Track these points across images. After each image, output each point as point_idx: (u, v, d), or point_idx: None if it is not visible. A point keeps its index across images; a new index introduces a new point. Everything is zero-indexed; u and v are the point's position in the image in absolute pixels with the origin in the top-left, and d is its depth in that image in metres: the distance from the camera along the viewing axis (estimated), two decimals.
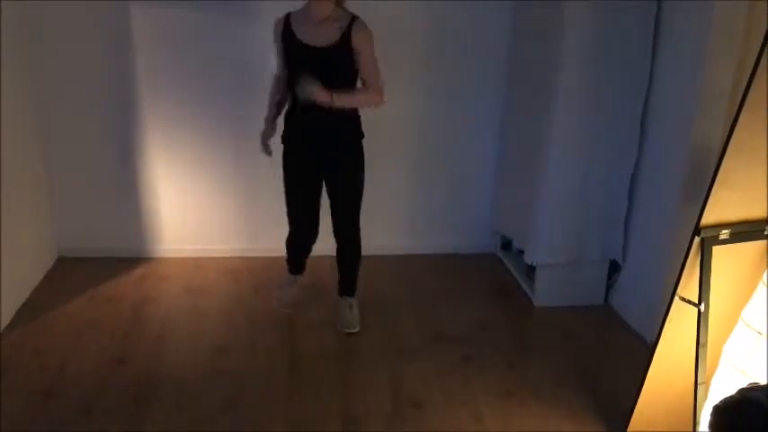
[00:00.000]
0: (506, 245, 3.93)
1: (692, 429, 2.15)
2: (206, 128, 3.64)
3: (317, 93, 2.67)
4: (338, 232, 3.08)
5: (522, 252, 3.54)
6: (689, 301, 2.10)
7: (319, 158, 2.93)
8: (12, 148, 3.19)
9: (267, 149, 2.99)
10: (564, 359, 3.01)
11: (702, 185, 2.69)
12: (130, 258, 3.75)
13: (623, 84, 3.07)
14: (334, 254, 3.16)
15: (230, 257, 3.83)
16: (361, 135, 2.94)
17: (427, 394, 2.73)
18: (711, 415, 1.50)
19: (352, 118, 2.90)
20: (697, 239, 2.07)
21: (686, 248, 2.12)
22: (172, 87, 3.53)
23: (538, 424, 2.58)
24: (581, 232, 3.30)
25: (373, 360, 2.95)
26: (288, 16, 2.81)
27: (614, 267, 3.43)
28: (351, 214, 3.03)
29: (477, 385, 2.80)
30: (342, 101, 2.74)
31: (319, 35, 2.73)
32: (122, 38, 3.41)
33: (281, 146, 2.97)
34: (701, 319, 2.08)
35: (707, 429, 1.52)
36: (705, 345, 2.08)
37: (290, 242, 3.21)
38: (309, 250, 3.24)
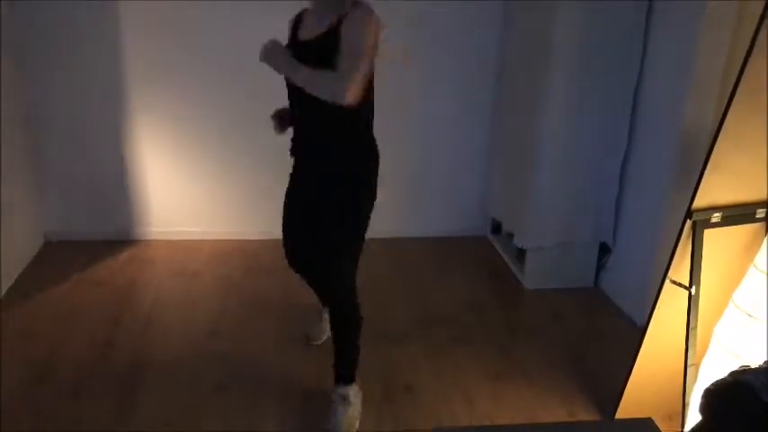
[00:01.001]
0: (497, 228, 3.93)
1: (681, 411, 2.17)
2: (195, 110, 3.60)
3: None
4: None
5: (512, 235, 3.54)
6: (680, 285, 2.11)
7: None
8: None
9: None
10: (554, 341, 3.02)
11: (694, 168, 2.69)
12: (118, 241, 3.72)
13: (615, 67, 3.06)
14: None
15: (221, 240, 3.81)
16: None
17: (418, 377, 2.73)
18: (702, 398, 1.50)
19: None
20: (689, 223, 2.07)
21: (677, 232, 2.13)
22: (161, 71, 3.49)
23: (528, 405, 2.59)
24: (571, 215, 3.31)
25: (363, 342, 2.93)
26: (301, 12, 2.33)
27: (604, 250, 3.44)
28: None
29: (468, 368, 2.81)
30: (288, 70, 2.13)
31: (309, 28, 2.21)
32: (111, 23, 3.36)
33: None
34: (692, 302, 2.09)
35: (698, 412, 1.53)
36: (695, 327, 2.10)
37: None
38: None
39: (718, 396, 1.45)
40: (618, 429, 1.28)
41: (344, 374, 2.44)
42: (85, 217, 3.71)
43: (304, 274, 2.68)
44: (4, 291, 3.16)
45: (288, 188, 2.51)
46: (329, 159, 2.30)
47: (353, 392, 2.43)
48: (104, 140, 3.58)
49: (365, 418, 2.48)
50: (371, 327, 3.07)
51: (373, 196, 2.42)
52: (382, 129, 3.77)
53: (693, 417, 2.09)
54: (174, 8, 3.36)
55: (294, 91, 2.21)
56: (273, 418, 2.47)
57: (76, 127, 3.54)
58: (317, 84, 2.07)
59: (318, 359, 2.83)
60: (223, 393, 2.58)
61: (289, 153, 2.43)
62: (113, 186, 3.67)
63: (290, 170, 2.48)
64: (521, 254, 3.53)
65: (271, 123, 2.40)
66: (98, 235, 3.71)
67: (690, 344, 2.10)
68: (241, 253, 3.67)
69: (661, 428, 2.46)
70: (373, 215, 4.12)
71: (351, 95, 2.02)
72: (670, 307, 2.19)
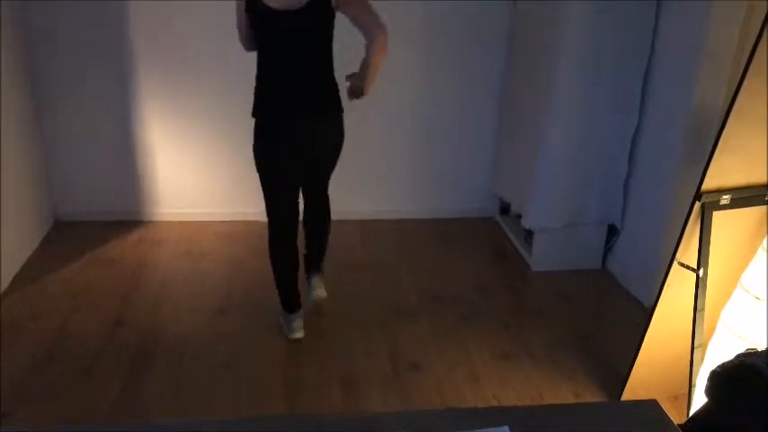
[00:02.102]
0: (505, 209, 3.93)
1: (687, 392, 2.17)
2: (203, 91, 3.59)
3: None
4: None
5: (519, 216, 3.53)
6: (688, 267, 2.10)
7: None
8: (8, 113, 3.14)
9: None
10: (561, 322, 3.03)
11: (703, 150, 2.67)
12: (128, 222, 3.74)
13: (625, 47, 3.02)
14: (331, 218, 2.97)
15: (229, 221, 3.82)
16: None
17: (425, 356, 2.75)
18: (709, 380, 1.51)
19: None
20: (697, 204, 2.06)
21: (686, 213, 2.12)
22: (170, 51, 3.47)
23: (534, 385, 2.61)
24: (579, 196, 3.29)
25: (371, 322, 2.97)
26: None
27: (612, 231, 3.43)
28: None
29: (474, 347, 2.82)
30: (368, 82, 2.50)
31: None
32: (119, 6, 3.34)
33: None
34: (700, 284, 2.08)
35: (704, 394, 1.53)
36: (703, 309, 2.09)
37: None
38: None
39: (724, 378, 1.45)
40: (622, 411, 1.29)
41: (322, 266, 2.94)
42: (95, 197, 3.72)
43: (292, 218, 2.71)
44: (15, 271, 3.19)
45: (282, 147, 2.54)
46: (329, 102, 2.55)
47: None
48: (114, 122, 3.59)
49: (373, 394, 2.51)
50: (379, 304, 3.11)
51: None
52: (392, 109, 3.78)
53: (700, 398, 2.09)
54: None
55: (300, 47, 2.40)
56: (281, 397, 2.49)
57: (86, 108, 3.54)
58: (380, 61, 2.44)
59: (326, 339, 2.86)
60: (230, 372, 2.61)
61: (261, 115, 2.53)
62: (123, 167, 3.68)
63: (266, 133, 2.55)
64: (528, 235, 3.52)
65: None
66: (108, 215, 3.73)
67: (697, 325, 2.10)
68: (248, 233, 3.68)
69: (667, 409, 2.47)
70: (382, 195, 4.15)
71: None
72: (677, 289, 2.19)
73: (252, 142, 2.59)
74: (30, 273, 3.22)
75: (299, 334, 2.80)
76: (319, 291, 2.92)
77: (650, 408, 1.31)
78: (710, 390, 1.50)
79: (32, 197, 3.48)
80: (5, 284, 3.07)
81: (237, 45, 2.61)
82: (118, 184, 3.71)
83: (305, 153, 2.58)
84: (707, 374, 1.54)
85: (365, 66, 2.46)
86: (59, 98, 3.50)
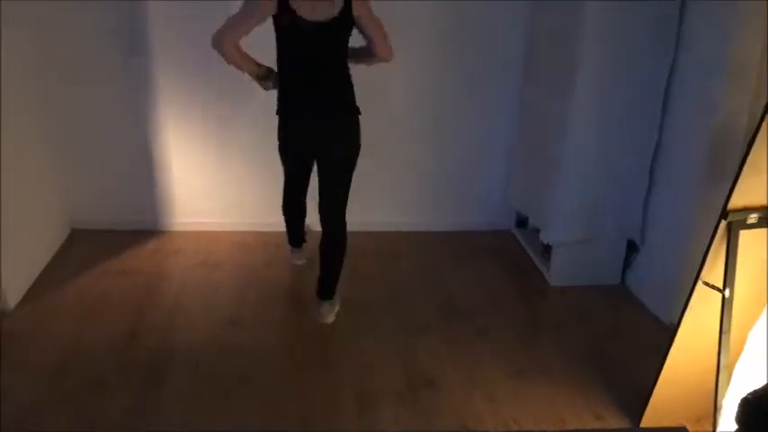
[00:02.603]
0: (521, 222, 3.88)
1: (713, 415, 2.12)
2: (220, 101, 3.59)
3: None
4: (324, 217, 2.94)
5: (537, 230, 3.49)
6: (713, 287, 2.05)
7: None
8: (24, 120, 3.16)
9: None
10: (578, 339, 2.98)
11: (725, 166, 2.63)
12: (144, 231, 3.73)
13: (646, 61, 2.98)
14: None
15: (243, 231, 3.81)
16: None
17: (440, 372, 2.71)
18: (739, 407, 1.47)
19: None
20: (723, 223, 2.02)
21: (708, 230, 2.07)
22: (187, 59, 3.47)
23: (552, 405, 2.56)
24: (598, 211, 3.25)
25: (386, 336, 2.93)
26: None
27: (632, 247, 3.38)
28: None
29: (490, 363, 2.78)
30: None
31: (317, 10, 2.55)
32: (136, 8, 3.35)
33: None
34: (726, 305, 2.04)
35: (734, 421, 1.49)
36: (728, 331, 2.04)
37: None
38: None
39: (755, 406, 1.42)
40: None
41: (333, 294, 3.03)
42: (112, 207, 3.73)
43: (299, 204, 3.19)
44: (31, 280, 3.19)
45: (298, 141, 2.84)
46: (344, 102, 2.75)
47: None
48: (130, 131, 3.59)
49: (387, 411, 2.47)
50: (394, 317, 3.08)
51: None
52: (406, 121, 3.76)
53: (726, 421, 2.04)
54: None
55: (317, 49, 2.64)
56: (293, 412, 2.46)
57: (103, 117, 3.55)
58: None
59: (340, 353, 2.83)
60: (244, 385, 2.58)
61: (285, 113, 2.78)
62: (139, 177, 3.68)
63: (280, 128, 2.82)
64: (546, 249, 3.48)
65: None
66: (124, 225, 3.73)
67: (723, 347, 2.05)
68: (262, 244, 3.67)
69: (690, 430, 2.43)
70: (396, 207, 4.12)
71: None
72: (702, 309, 2.14)
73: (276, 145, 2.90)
74: (45, 282, 3.21)
75: (300, 262, 3.43)
76: (326, 317, 2.98)
77: None
78: (741, 417, 1.45)
79: (49, 205, 3.48)
80: (21, 294, 3.07)
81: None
82: (134, 194, 3.71)
83: (318, 142, 2.78)
84: (736, 400, 1.49)
85: (364, 59, 2.77)
86: (76, 107, 3.51)
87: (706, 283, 2.07)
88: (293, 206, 3.22)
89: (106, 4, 3.32)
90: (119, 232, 3.69)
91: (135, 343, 2.81)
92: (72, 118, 3.53)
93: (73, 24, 3.36)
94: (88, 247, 3.57)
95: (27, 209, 3.17)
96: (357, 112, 2.76)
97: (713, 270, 2.07)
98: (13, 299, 2.99)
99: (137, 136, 3.60)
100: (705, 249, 2.07)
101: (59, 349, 2.73)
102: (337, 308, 3.03)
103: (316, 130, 2.75)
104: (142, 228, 3.75)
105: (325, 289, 2.99)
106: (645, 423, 2.42)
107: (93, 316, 2.98)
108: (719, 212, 2.05)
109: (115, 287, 3.21)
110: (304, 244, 3.41)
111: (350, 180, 2.85)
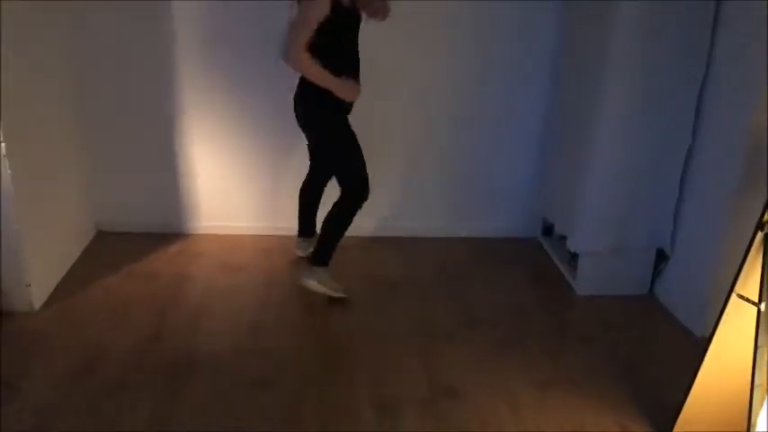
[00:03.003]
0: (548, 229, 3.82)
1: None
2: (245, 105, 3.59)
3: None
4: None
5: (564, 238, 3.43)
6: (748, 300, 1.98)
7: None
8: (50, 121, 3.19)
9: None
10: (605, 350, 2.91)
11: (760, 174, 2.56)
12: (168, 234, 3.75)
13: (679, 67, 2.91)
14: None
15: (265, 235, 3.81)
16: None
17: (462, 381, 2.66)
18: None
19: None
20: (760, 235, 1.95)
21: (741, 240, 2.01)
22: (212, 62, 3.49)
23: (577, 416, 2.50)
24: (628, 219, 3.18)
25: (407, 344, 2.90)
26: None
27: (661, 256, 3.30)
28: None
29: (514, 373, 2.72)
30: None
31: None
32: (164, 9, 3.37)
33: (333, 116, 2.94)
34: (761, 320, 1.96)
35: None
36: (764, 346, 1.97)
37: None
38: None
39: None
40: None
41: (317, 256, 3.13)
42: (137, 209, 3.75)
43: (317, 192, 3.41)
44: (57, 281, 3.21)
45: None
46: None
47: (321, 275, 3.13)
48: (158, 134, 3.61)
49: (408, 420, 2.43)
50: (416, 325, 3.04)
51: None
52: (430, 124, 3.73)
53: None
54: None
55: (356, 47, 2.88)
56: (313, 419, 2.43)
57: (129, 119, 3.58)
58: None
59: (360, 361, 2.80)
60: (264, 390, 2.56)
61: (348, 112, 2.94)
62: (165, 180, 3.69)
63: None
64: (573, 258, 3.42)
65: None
66: (149, 227, 3.75)
67: (757, 364, 1.97)
68: (283, 247, 3.66)
69: None
70: (419, 212, 4.08)
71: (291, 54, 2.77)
72: (736, 322, 2.07)
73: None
74: (71, 283, 3.23)
75: (300, 253, 3.49)
76: (303, 280, 3.12)
77: None
78: None
79: (76, 206, 3.51)
80: (46, 295, 3.09)
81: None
82: (159, 197, 3.73)
83: None
84: None
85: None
86: (105, 109, 3.54)
87: (741, 296, 2.00)
88: (311, 192, 3.37)
89: (141, 4, 3.35)
90: (143, 234, 3.71)
91: (158, 345, 2.81)
92: (101, 119, 3.55)
93: (108, 26, 3.39)
94: (113, 249, 3.59)
95: (54, 209, 3.20)
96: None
97: (748, 282, 2.00)
98: (38, 299, 3.01)
99: (164, 139, 3.62)
100: (740, 261, 2.00)
101: (83, 350, 2.74)
102: (319, 286, 3.09)
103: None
104: (166, 231, 3.76)
105: (314, 252, 3.12)
106: None
107: (117, 318, 2.99)
108: (756, 222, 1.98)
109: (139, 289, 3.23)
110: (308, 239, 3.45)
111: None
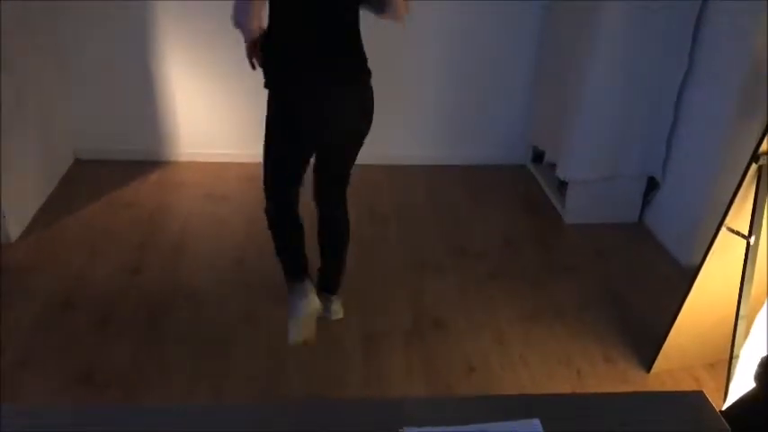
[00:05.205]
0: (538, 157, 3.74)
1: (728, 362, 2.05)
2: (225, 28, 3.40)
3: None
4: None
5: (553, 165, 3.36)
6: (738, 233, 1.94)
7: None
8: (26, 49, 3.02)
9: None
10: (592, 279, 2.90)
11: (757, 105, 2.46)
12: (148, 161, 3.65)
13: None
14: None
15: (250, 163, 3.70)
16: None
17: (449, 313, 2.65)
18: (759, 366, 1.40)
19: None
20: (753, 167, 1.88)
21: (734, 170, 1.95)
22: None
23: (562, 347, 2.51)
24: (619, 146, 3.10)
25: (395, 275, 2.87)
26: None
27: (652, 184, 3.24)
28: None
29: (501, 305, 2.72)
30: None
31: None
32: None
33: None
34: (750, 253, 1.93)
35: (753, 380, 1.42)
36: (751, 279, 1.94)
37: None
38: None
39: None
40: (665, 403, 1.17)
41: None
42: (115, 136, 3.63)
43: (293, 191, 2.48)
44: (34, 211, 3.14)
45: (294, 114, 2.31)
46: (354, 64, 2.22)
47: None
48: (134, 59, 3.45)
49: (394, 353, 2.43)
50: (403, 255, 3.00)
51: None
52: (422, 52, 3.57)
53: (741, 373, 1.97)
54: None
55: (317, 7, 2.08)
56: (299, 355, 2.41)
57: (108, 45, 3.41)
58: None
59: (347, 292, 2.77)
60: (248, 326, 2.54)
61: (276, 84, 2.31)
62: (143, 106, 3.56)
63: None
64: (562, 185, 3.36)
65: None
66: (128, 154, 3.64)
67: (743, 295, 1.96)
68: None
69: (703, 377, 2.37)
70: (410, 140, 3.95)
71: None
72: (724, 255, 2.03)
73: None
74: (48, 213, 3.16)
75: (322, 312, 2.47)
76: (338, 313, 2.57)
77: (694, 400, 1.19)
78: (761, 376, 1.38)
79: (52, 134, 3.39)
80: (24, 225, 3.02)
81: None
82: (137, 123, 3.60)
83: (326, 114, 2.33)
84: (753, 353, 1.42)
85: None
86: (80, 36, 3.37)
87: (730, 229, 1.96)
88: (286, 215, 2.49)
89: None
90: (122, 162, 3.61)
91: (139, 278, 2.76)
92: (78, 42, 3.39)
93: None
94: (91, 177, 3.50)
95: (29, 137, 3.08)
96: (370, 74, 2.24)
97: (739, 215, 1.95)
98: (15, 230, 2.94)
99: (141, 65, 3.46)
100: (732, 193, 1.94)
101: (63, 284, 2.70)
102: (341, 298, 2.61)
103: (322, 98, 2.20)
104: (146, 158, 3.66)
105: (333, 282, 2.55)
106: (657, 367, 2.36)
107: (96, 249, 2.93)
108: (750, 153, 1.91)
109: (119, 220, 3.16)
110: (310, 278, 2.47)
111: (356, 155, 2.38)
